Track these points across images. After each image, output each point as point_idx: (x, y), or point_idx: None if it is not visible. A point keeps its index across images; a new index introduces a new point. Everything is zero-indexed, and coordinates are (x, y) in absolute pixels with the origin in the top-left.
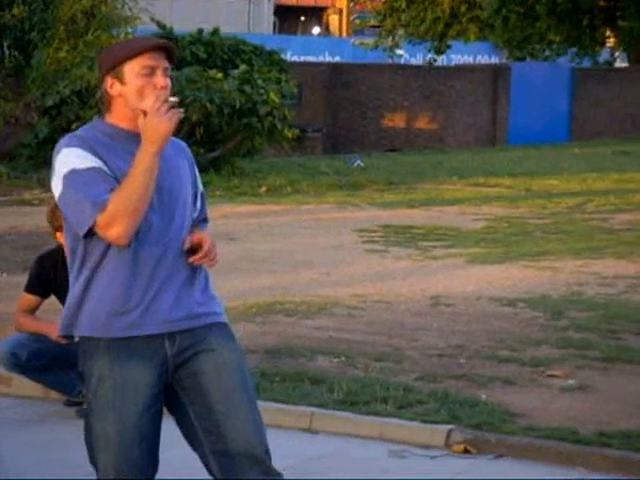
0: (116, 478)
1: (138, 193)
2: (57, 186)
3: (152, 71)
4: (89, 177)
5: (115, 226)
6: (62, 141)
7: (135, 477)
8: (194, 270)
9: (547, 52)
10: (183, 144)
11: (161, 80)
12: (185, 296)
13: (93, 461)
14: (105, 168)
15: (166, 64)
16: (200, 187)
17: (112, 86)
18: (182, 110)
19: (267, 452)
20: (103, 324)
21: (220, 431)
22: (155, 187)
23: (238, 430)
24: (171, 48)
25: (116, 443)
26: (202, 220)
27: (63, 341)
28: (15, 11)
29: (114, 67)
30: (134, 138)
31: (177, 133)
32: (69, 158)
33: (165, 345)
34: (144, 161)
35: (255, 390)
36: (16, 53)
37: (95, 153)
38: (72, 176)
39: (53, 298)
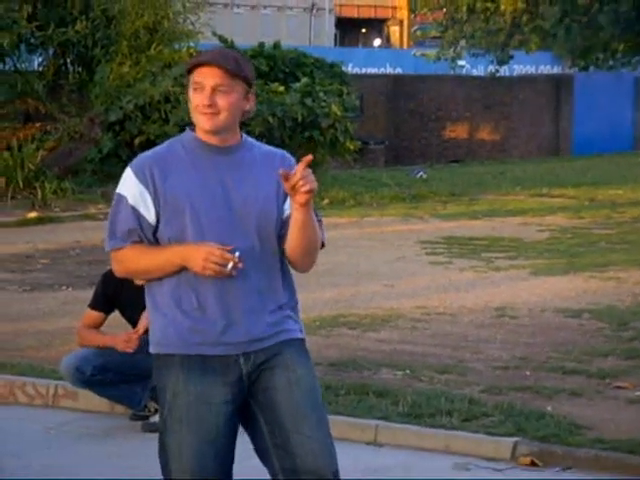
0: None
1: (148, 268)
2: None
3: (201, 87)
4: (123, 210)
5: (119, 266)
6: (136, 158)
7: None
8: (270, 287)
9: (611, 62)
10: (280, 156)
11: (203, 98)
12: (257, 317)
13: (166, 475)
14: (141, 207)
15: (217, 81)
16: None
17: (188, 100)
18: (227, 270)
19: (335, 473)
20: (176, 341)
21: (289, 448)
22: (225, 203)
23: (306, 448)
24: (221, 64)
25: (190, 457)
26: None
27: (130, 350)
28: (78, 27)
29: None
30: (210, 149)
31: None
32: (124, 179)
33: (240, 362)
34: (166, 265)
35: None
36: (80, 69)
37: (147, 182)
38: (117, 198)
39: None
